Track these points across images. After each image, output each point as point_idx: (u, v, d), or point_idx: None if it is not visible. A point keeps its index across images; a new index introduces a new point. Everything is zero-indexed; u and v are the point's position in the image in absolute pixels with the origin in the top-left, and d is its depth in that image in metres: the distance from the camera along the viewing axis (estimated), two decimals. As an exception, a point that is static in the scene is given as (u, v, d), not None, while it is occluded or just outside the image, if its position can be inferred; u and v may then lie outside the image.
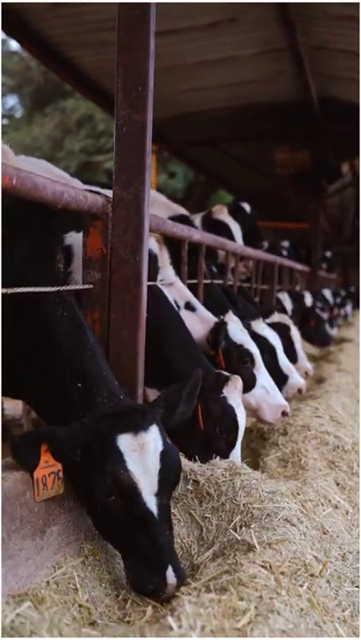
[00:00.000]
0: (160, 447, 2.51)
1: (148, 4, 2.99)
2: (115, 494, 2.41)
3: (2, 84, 29.53)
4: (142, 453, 2.45)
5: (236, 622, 1.95)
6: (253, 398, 4.30)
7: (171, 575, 2.38)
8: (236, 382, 3.58)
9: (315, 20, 8.36)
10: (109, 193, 3.17)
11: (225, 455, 3.54)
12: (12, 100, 30.98)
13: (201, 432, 3.50)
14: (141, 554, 2.42)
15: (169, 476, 2.52)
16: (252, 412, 4.34)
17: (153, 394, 3.69)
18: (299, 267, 11.29)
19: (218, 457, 3.38)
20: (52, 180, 2.51)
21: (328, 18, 8.11)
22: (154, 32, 3.03)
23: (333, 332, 12.41)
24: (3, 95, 30.52)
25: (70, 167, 24.60)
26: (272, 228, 17.44)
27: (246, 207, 7.92)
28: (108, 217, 3.04)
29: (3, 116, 31.26)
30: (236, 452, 3.63)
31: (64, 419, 2.57)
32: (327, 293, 14.01)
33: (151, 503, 2.45)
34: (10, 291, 2.46)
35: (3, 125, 30.76)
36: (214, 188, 21.88)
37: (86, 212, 2.90)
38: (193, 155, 15.77)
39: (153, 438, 2.50)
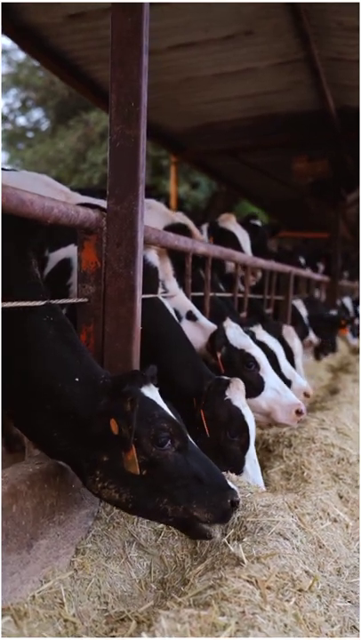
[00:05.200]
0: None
1: (141, 14, 3.00)
2: (170, 438, 2.56)
3: (27, 98, 29.90)
4: (160, 399, 2.68)
5: (214, 638, 1.93)
6: (264, 401, 4.23)
7: (230, 481, 2.77)
8: (238, 384, 3.57)
9: (329, 32, 8.34)
10: None
11: (241, 458, 3.53)
12: (38, 114, 31.35)
13: (209, 440, 3.47)
14: (205, 483, 2.63)
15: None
16: (265, 415, 4.26)
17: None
18: (317, 277, 11.21)
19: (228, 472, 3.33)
20: (40, 195, 2.52)
21: (342, 29, 8.09)
22: (147, 47, 3.05)
23: (354, 341, 12.32)
24: (29, 109, 30.88)
25: (93, 179, 24.73)
26: (293, 237, 17.36)
27: (257, 223, 7.95)
28: (103, 231, 3.05)
29: (29, 129, 31.61)
30: (252, 453, 3.60)
31: (59, 421, 2.57)
32: (348, 302, 13.90)
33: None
34: (6, 305, 2.48)
35: (29, 138, 31.10)
36: (236, 198, 21.83)
37: (79, 226, 2.92)
38: (213, 165, 15.77)
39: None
